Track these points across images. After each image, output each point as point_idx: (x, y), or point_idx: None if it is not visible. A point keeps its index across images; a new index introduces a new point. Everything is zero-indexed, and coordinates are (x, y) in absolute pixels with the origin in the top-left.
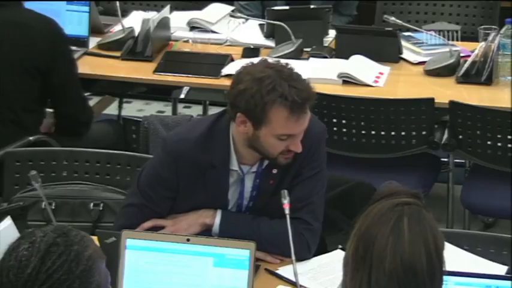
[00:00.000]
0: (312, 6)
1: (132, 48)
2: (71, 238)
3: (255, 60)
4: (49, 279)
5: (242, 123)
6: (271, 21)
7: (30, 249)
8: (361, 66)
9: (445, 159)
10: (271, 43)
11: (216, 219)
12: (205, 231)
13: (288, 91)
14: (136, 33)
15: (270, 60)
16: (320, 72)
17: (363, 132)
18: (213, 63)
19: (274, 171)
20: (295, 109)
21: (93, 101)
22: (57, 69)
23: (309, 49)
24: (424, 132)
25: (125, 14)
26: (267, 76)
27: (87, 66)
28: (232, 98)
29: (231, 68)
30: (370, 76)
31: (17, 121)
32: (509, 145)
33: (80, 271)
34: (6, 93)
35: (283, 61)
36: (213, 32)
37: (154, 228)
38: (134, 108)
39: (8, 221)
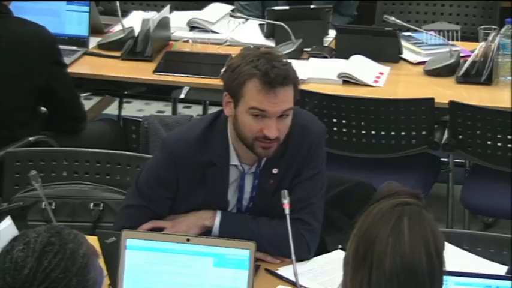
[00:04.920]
0: (312, 7)
1: (132, 48)
2: (65, 237)
3: None
4: (47, 279)
5: (227, 104)
6: (271, 21)
7: (25, 250)
8: (361, 66)
9: (445, 159)
10: (271, 43)
11: (216, 221)
12: (205, 233)
13: (264, 65)
14: (136, 33)
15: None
16: (320, 72)
17: (363, 132)
18: (213, 63)
19: (274, 171)
20: (265, 82)
21: (93, 101)
22: (54, 79)
23: (309, 49)
24: (424, 132)
25: (124, 14)
26: (252, 54)
27: (87, 66)
28: (222, 77)
29: None
30: (370, 76)
31: (14, 137)
32: (509, 145)
33: (76, 269)
34: (5, 112)
35: None
36: (213, 32)
37: (154, 230)
38: (134, 108)
39: (8, 221)
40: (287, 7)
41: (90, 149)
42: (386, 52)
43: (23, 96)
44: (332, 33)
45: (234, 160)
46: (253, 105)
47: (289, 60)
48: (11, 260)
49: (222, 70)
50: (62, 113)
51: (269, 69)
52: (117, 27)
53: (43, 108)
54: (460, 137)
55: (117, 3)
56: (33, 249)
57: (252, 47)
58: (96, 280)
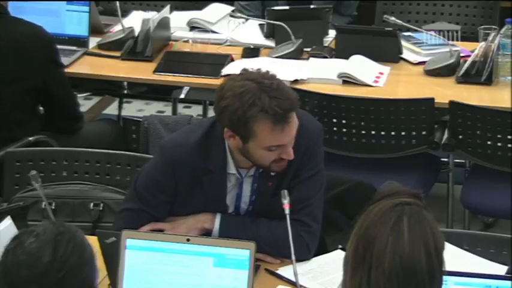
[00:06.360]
0: (312, 7)
1: (132, 48)
2: (70, 228)
3: (254, 60)
4: (64, 266)
5: (231, 137)
6: (271, 21)
7: (38, 241)
8: (361, 66)
9: (445, 159)
10: (271, 43)
11: (215, 223)
12: (205, 235)
13: (268, 104)
14: (136, 33)
15: (251, 69)
16: (320, 72)
17: (363, 132)
18: (213, 63)
19: (273, 173)
20: (278, 121)
21: (93, 101)
22: (51, 78)
23: (309, 49)
24: (424, 132)
25: (124, 14)
26: (247, 91)
27: (87, 66)
28: (217, 113)
29: (231, 68)
30: (370, 76)
31: (13, 137)
32: (509, 145)
33: (88, 257)
34: (3, 112)
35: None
36: (213, 32)
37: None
38: (134, 108)
39: (8, 221)
40: (287, 7)
41: (90, 149)
42: (387, 52)
43: (21, 96)
44: (332, 33)
45: (231, 169)
46: (270, 145)
47: (289, 61)
48: (24, 253)
49: (217, 109)
50: (59, 113)
51: (275, 107)
52: (117, 27)
53: (41, 108)
54: (460, 137)
55: (117, 3)
56: (45, 240)
57: (252, 47)
58: (96, 274)
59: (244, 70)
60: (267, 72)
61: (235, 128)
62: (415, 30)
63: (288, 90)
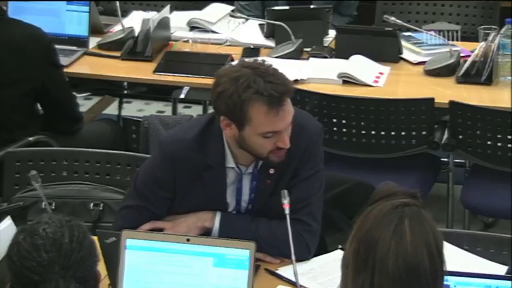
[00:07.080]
0: (312, 7)
1: (132, 48)
2: (70, 217)
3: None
4: (81, 248)
5: (227, 126)
6: (271, 21)
7: (54, 225)
8: (361, 66)
9: (445, 159)
10: (271, 43)
11: (216, 222)
12: (205, 234)
13: (263, 87)
14: (136, 33)
15: (247, 59)
16: (320, 72)
17: (363, 132)
18: (213, 63)
19: (271, 171)
20: (272, 104)
21: (93, 101)
22: (50, 80)
23: (309, 49)
24: (424, 132)
25: (124, 14)
26: (242, 75)
27: (87, 66)
28: (213, 102)
29: None
30: (370, 76)
31: (12, 139)
32: (509, 145)
33: (93, 242)
34: (2, 114)
35: (260, 58)
36: (213, 32)
37: (153, 231)
38: (134, 108)
39: (8, 221)
40: (287, 7)
41: (90, 149)
42: (387, 52)
43: (20, 98)
44: (332, 33)
45: (230, 162)
46: (266, 130)
47: (289, 61)
48: (42, 238)
49: (213, 95)
50: (58, 115)
51: (271, 89)
52: (117, 27)
53: (40, 108)
54: (460, 137)
55: (117, 3)
56: (59, 225)
57: (252, 47)
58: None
59: (241, 60)
60: (263, 61)
61: (231, 114)
62: (415, 30)
63: (283, 76)
